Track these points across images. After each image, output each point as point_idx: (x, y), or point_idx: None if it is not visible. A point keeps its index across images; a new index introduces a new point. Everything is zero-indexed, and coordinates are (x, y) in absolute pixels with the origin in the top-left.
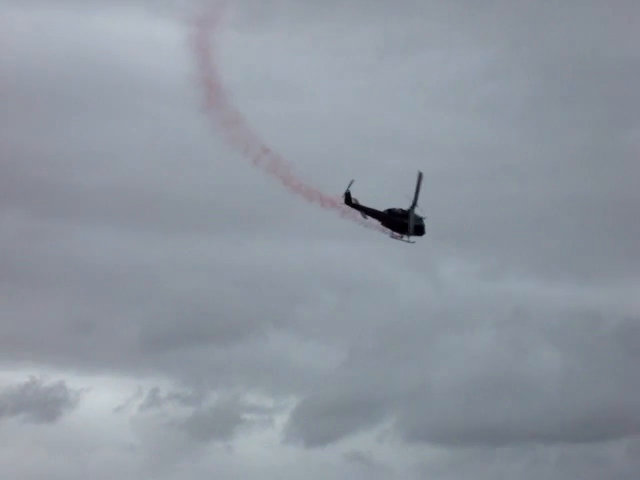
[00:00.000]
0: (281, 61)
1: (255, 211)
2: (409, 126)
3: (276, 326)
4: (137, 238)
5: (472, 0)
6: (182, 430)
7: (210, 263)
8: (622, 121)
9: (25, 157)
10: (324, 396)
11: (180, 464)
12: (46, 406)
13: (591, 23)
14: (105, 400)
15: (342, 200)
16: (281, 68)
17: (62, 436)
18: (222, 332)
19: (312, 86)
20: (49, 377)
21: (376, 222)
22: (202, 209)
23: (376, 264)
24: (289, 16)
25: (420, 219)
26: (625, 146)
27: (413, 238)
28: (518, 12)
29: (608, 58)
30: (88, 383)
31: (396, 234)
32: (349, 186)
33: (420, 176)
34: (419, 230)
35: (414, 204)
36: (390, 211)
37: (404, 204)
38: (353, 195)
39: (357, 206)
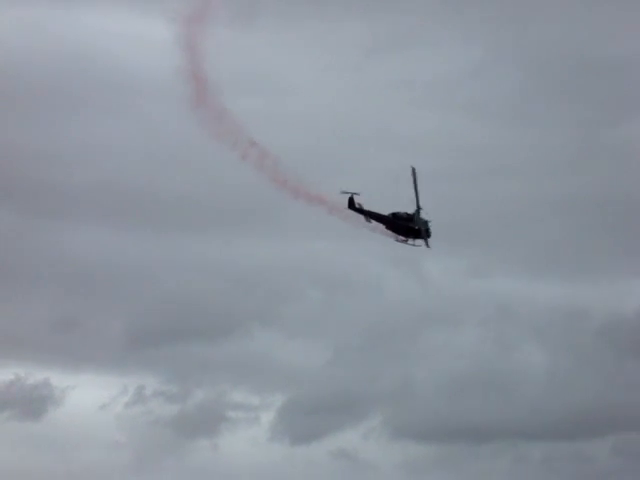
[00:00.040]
0: (268, 59)
1: (241, 209)
2: (396, 124)
3: (262, 324)
4: (122, 235)
5: None
6: (167, 428)
7: (196, 261)
8: (610, 119)
9: (13, 154)
10: (310, 394)
11: (165, 462)
12: (31, 404)
13: (577, 21)
14: (90, 398)
15: (345, 205)
16: (268, 66)
17: (47, 434)
18: (208, 330)
19: (299, 84)
20: (34, 374)
21: (380, 226)
22: (188, 206)
23: (362, 262)
24: (276, 14)
25: (425, 222)
26: (613, 144)
27: (418, 241)
28: (504, 10)
29: (595, 55)
30: (73, 381)
31: (401, 238)
32: (353, 193)
33: (414, 172)
34: (425, 233)
35: (419, 207)
36: (394, 215)
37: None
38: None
39: (361, 210)
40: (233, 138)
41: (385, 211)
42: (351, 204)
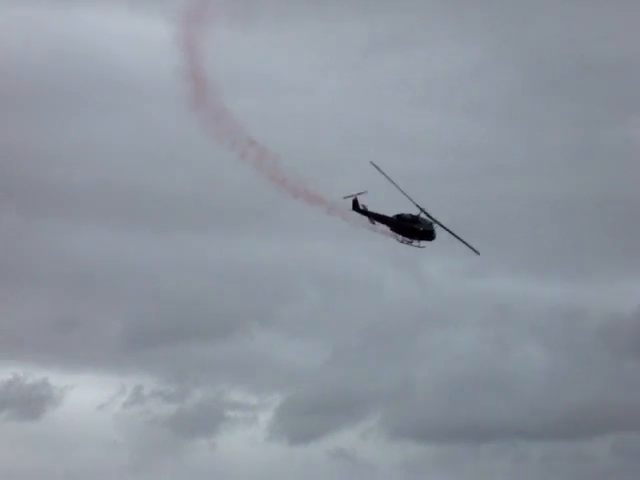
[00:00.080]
0: (268, 58)
1: (241, 208)
2: (394, 124)
3: (261, 324)
4: (121, 235)
5: None
6: (166, 427)
7: (195, 260)
8: (610, 119)
9: (13, 154)
10: (308, 393)
11: (164, 461)
12: (29, 403)
13: (577, 21)
14: (89, 397)
15: (350, 207)
16: (268, 65)
17: (46, 433)
18: (206, 329)
19: (298, 84)
20: (32, 374)
21: (385, 227)
22: (188, 206)
23: (361, 262)
24: (275, 14)
25: (430, 224)
26: (613, 144)
27: (423, 243)
28: (503, 9)
29: (595, 55)
30: (71, 380)
31: (406, 239)
32: (358, 194)
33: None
34: (429, 235)
35: (421, 209)
36: (399, 216)
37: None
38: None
39: (365, 212)
40: (232, 138)
41: (389, 212)
42: (355, 206)
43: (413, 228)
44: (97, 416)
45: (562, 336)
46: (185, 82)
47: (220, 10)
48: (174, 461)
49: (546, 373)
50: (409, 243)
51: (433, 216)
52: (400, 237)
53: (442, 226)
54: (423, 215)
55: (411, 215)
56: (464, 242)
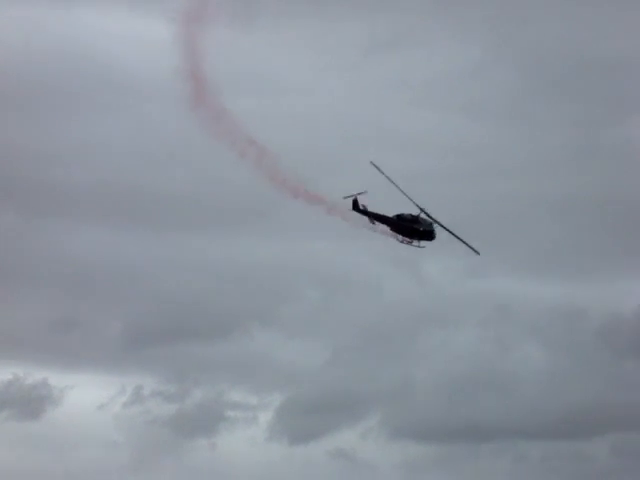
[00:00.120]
0: (267, 58)
1: (241, 208)
2: (394, 124)
3: (261, 324)
4: (119, 235)
5: None
6: (166, 427)
7: (195, 260)
8: (610, 119)
9: (13, 154)
10: (308, 393)
11: (164, 461)
12: (29, 403)
13: (577, 21)
14: (88, 397)
15: (350, 207)
16: (267, 65)
17: (45, 433)
18: (206, 329)
19: (298, 84)
20: (32, 374)
21: (385, 227)
22: (188, 206)
23: (361, 262)
24: (275, 14)
25: (430, 224)
26: (613, 144)
27: (423, 243)
28: (503, 9)
29: (595, 55)
30: (71, 380)
31: (406, 239)
32: (358, 194)
33: (375, 166)
34: (429, 235)
35: (421, 209)
36: (399, 216)
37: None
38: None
39: (365, 212)
40: (232, 138)
41: (389, 212)
42: (355, 206)
43: (413, 228)
44: (97, 416)
45: (562, 336)
46: (185, 82)
47: (220, 10)
48: (174, 461)
49: (546, 373)
50: (409, 243)
51: (433, 216)
52: (400, 237)
53: (442, 226)
54: (423, 215)
55: (411, 215)
56: (464, 242)
